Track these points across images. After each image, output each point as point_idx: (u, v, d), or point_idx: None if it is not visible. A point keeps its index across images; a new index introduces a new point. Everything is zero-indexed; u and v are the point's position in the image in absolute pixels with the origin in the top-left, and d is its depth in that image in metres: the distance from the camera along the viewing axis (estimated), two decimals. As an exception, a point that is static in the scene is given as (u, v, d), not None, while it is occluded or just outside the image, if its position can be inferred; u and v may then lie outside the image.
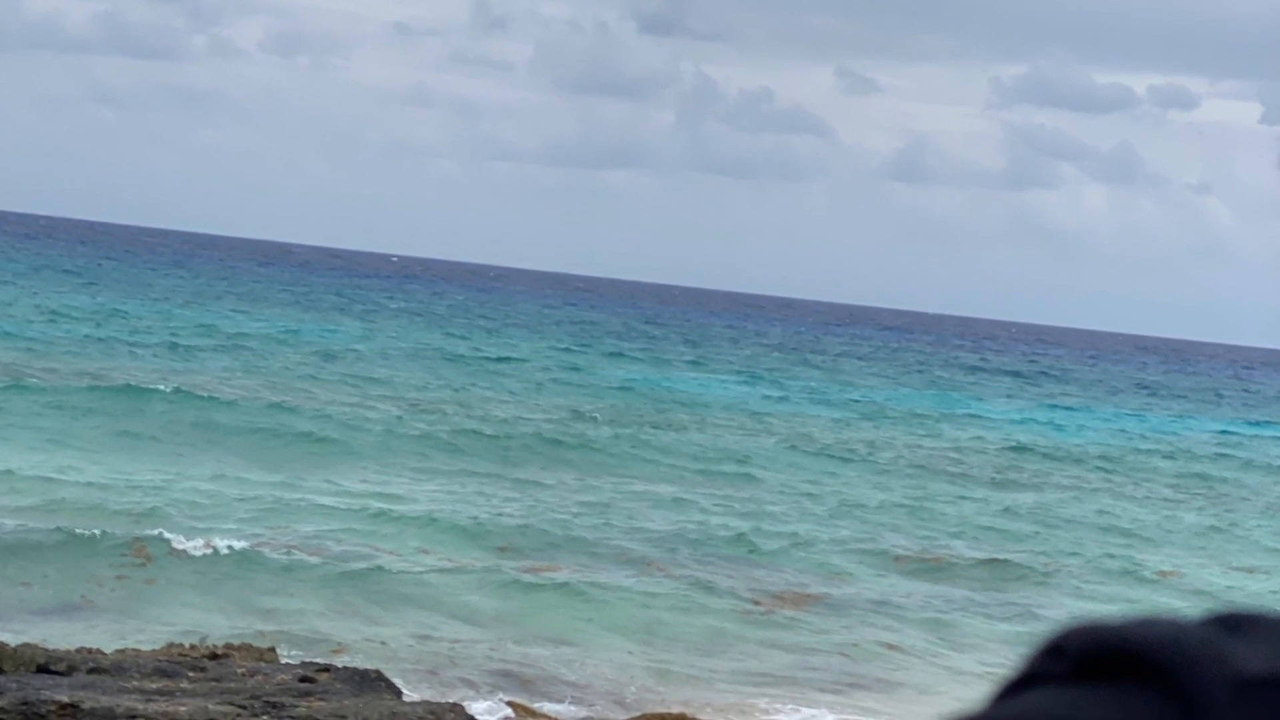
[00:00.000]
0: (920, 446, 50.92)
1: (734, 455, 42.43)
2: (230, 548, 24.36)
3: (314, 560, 24.59)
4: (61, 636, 18.36)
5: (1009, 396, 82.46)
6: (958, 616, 26.01)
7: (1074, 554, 33.27)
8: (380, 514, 28.68)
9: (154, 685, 14.32)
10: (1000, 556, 31.29)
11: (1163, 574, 32.53)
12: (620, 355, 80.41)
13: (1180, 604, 29.14)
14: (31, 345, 50.69)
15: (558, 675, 20.13)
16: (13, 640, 15.93)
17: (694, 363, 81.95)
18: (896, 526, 34.11)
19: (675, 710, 18.58)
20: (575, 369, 67.28)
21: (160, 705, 13.57)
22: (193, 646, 16.64)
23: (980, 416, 66.03)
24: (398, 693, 15.53)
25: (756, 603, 25.34)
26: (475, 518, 29.36)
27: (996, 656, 23.41)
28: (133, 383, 41.57)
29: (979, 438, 55.91)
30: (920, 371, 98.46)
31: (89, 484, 28.59)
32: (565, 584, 24.71)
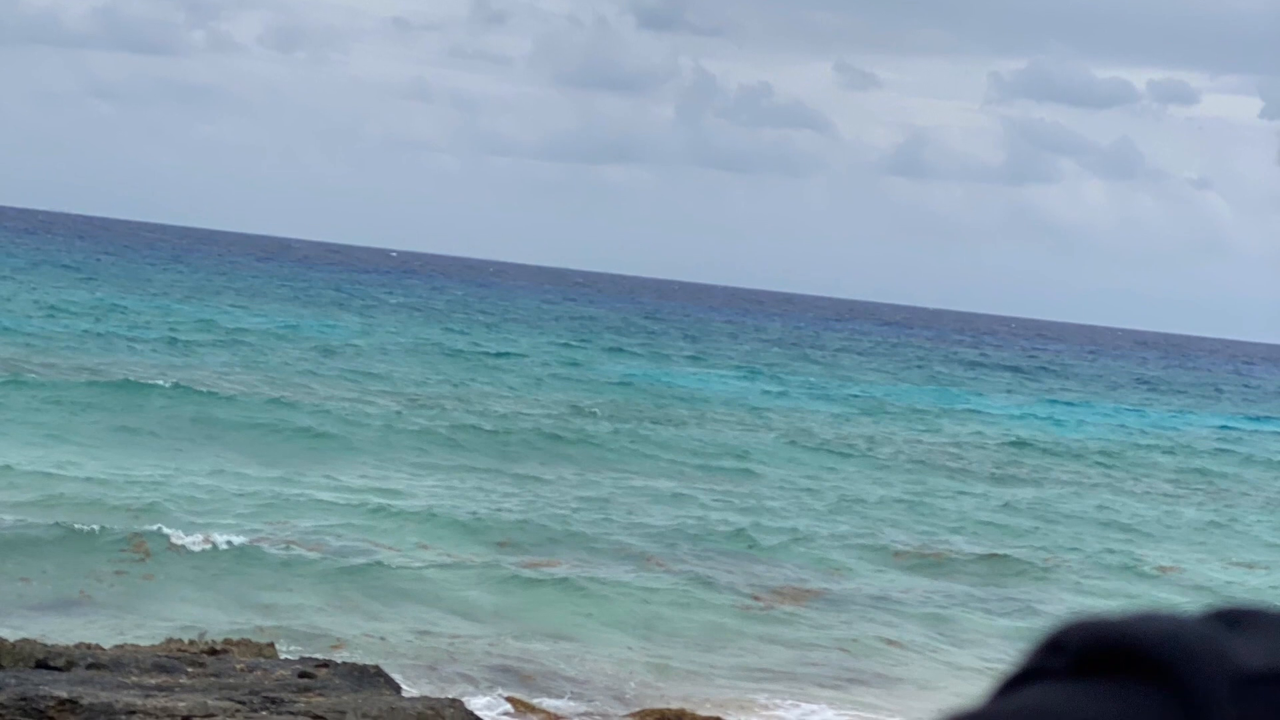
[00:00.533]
0: (920, 442, 50.92)
1: (733, 450, 42.42)
2: (229, 543, 24.36)
3: (313, 555, 24.59)
4: (60, 632, 18.35)
5: (1009, 392, 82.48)
6: (957, 612, 26.01)
7: (1074, 549, 33.28)
8: (379, 509, 28.67)
9: (153, 681, 14.32)
10: (1000, 552, 31.29)
11: (1162, 569, 32.53)
12: (619, 350, 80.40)
13: (1180, 599, 29.14)
14: (30, 340, 50.68)
15: (557, 670, 20.12)
16: (11, 636, 15.92)
17: (693, 358, 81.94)
18: (896, 522, 34.11)
19: (674, 705, 18.57)
20: (574, 364, 67.30)
21: (159, 701, 13.57)
22: (192, 642, 16.63)
23: (980, 412, 66.04)
24: (397, 688, 15.52)
25: (756, 598, 25.34)
26: (474, 513, 29.35)
27: (996, 652, 23.41)
28: (131, 378, 41.57)
29: (979, 433, 55.91)
30: (920, 367, 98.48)
31: (88, 479, 28.58)
32: (564, 579, 24.71)
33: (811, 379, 74.82)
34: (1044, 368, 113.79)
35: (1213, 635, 1.20)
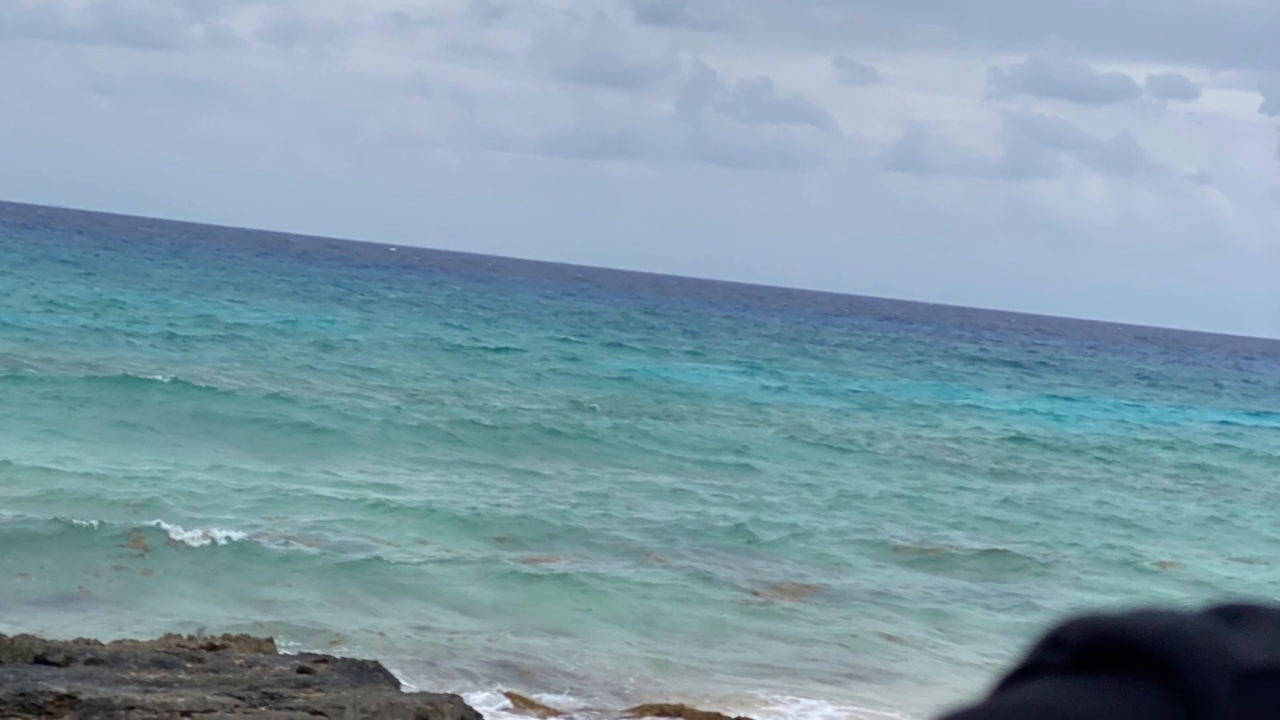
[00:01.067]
0: (919, 437, 50.94)
1: (733, 446, 42.42)
2: (228, 538, 24.35)
3: (312, 551, 24.59)
4: (59, 627, 18.35)
5: (1008, 387, 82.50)
6: (957, 607, 26.01)
7: (1073, 545, 33.29)
8: (378, 504, 28.67)
9: (152, 676, 14.31)
10: (999, 547, 31.29)
11: (1162, 565, 32.53)
12: (619, 345, 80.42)
13: (1180, 595, 29.15)
14: (29, 335, 50.68)
15: (556, 666, 20.11)
16: (10, 631, 15.91)
17: (693, 353, 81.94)
18: (895, 517, 34.12)
19: (674, 701, 18.58)
20: (574, 359, 67.32)
21: (158, 696, 13.56)
22: (190, 637, 16.64)
23: (979, 407, 66.06)
24: (396, 683, 15.51)
25: (755, 593, 25.34)
26: (473, 508, 29.35)
27: (996, 647, 23.41)
28: (130, 373, 41.55)
29: (978, 428, 55.93)
30: (919, 362, 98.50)
31: (86, 474, 28.58)
32: (564, 575, 24.71)
33: (811, 374, 74.83)
34: (1044, 363, 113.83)
35: (1213, 631, 1.20)
